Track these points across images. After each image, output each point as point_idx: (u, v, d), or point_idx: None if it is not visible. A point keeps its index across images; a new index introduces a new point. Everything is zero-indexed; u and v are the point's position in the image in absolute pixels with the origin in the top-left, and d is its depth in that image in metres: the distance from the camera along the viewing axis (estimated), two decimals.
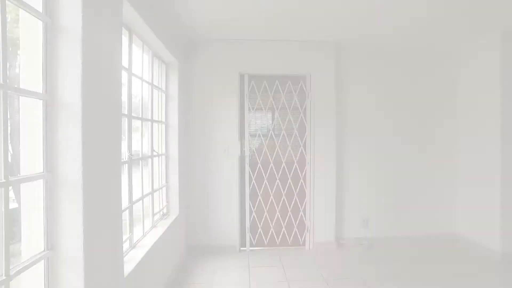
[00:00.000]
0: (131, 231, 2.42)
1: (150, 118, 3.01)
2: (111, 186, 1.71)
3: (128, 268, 2.00)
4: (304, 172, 3.99)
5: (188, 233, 3.86)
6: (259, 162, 3.96)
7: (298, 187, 4.01)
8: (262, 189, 3.98)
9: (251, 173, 3.93)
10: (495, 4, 2.86)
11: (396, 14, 3.11)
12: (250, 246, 3.93)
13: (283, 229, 4.01)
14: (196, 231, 3.86)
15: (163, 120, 3.41)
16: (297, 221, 4.01)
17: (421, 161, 4.19)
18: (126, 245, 2.34)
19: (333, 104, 3.92)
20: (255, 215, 3.98)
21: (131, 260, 2.13)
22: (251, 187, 3.94)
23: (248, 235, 3.91)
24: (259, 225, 3.98)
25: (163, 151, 3.43)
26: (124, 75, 2.35)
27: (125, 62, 2.32)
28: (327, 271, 3.31)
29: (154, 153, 3.12)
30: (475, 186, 3.91)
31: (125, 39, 2.41)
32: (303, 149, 3.98)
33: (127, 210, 2.38)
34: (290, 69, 3.89)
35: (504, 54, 3.53)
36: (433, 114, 4.20)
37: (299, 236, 4.02)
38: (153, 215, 3.01)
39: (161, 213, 3.31)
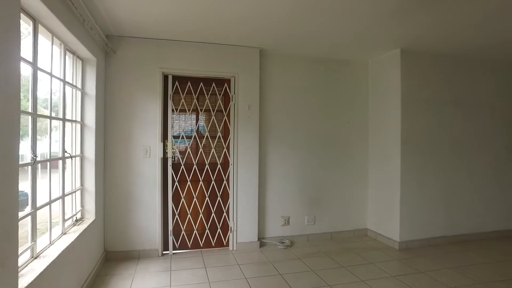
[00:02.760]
0: (33, 239, 2.22)
1: (61, 116, 2.79)
2: (3, 192, 1.55)
3: (25, 281, 1.82)
4: (227, 174, 4.03)
5: (107, 238, 3.65)
6: (182, 164, 3.91)
7: (222, 188, 4.05)
8: (185, 191, 3.93)
9: (174, 175, 3.86)
10: (395, 27, 3.31)
11: (314, 30, 3.40)
12: (173, 250, 3.85)
13: (207, 231, 4.01)
14: (115, 236, 3.67)
15: (79, 119, 3.19)
16: (221, 223, 4.05)
17: (338, 162, 4.52)
18: (26, 256, 2.14)
19: (257, 107, 4.03)
20: (178, 218, 3.91)
21: (30, 272, 1.94)
22: (173, 189, 3.87)
23: (170, 238, 3.82)
24: (182, 228, 3.93)
25: (78, 152, 3.21)
26: (28, 69, 2.16)
27: (28, 55, 2.13)
28: (249, 270, 3.41)
29: (67, 155, 2.90)
30: (382, 185, 4.37)
31: (29, 29, 2.21)
32: (226, 151, 4.03)
33: (29, 217, 2.18)
34: (215, 72, 3.91)
35: (403, 68, 4.03)
36: (348, 118, 4.56)
37: (222, 238, 4.06)
38: (64, 221, 2.80)
39: (74, 218, 3.09)
